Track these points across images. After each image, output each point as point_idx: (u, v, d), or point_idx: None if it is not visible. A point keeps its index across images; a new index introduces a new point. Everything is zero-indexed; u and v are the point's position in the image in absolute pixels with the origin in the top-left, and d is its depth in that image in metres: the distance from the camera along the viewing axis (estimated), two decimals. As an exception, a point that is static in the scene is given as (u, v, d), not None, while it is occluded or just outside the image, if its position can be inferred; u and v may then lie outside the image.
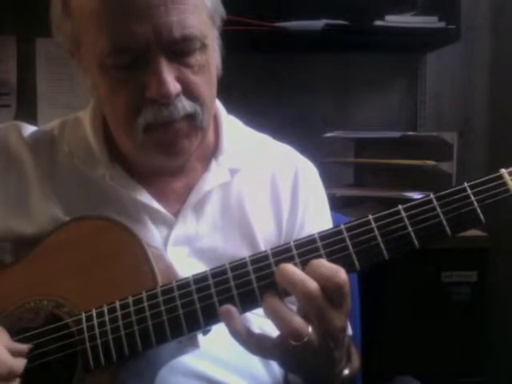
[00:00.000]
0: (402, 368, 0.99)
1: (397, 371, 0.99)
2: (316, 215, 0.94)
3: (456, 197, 0.66)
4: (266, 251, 0.69)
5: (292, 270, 0.66)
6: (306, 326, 0.65)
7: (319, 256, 0.67)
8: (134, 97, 0.76)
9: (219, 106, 0.94)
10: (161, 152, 0.80)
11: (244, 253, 0.85)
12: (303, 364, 0.69)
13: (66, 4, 0.79)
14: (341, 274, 0.65)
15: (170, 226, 0.86)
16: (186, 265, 0.83)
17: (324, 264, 0.66)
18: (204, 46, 0.78)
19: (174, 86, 0.75)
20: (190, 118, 0.79)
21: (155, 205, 0.85)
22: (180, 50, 0.76)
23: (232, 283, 0.68)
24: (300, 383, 0.79)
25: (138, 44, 0.73)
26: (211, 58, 0.81)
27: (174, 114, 0.77)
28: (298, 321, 0.65)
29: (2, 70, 1.94)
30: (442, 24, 1.78)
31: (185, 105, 0.77)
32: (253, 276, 0.68)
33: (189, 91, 0.78)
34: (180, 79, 0.76)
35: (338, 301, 0.66)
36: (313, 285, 0.64)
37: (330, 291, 0.65)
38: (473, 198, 0.66)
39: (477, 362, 1.61)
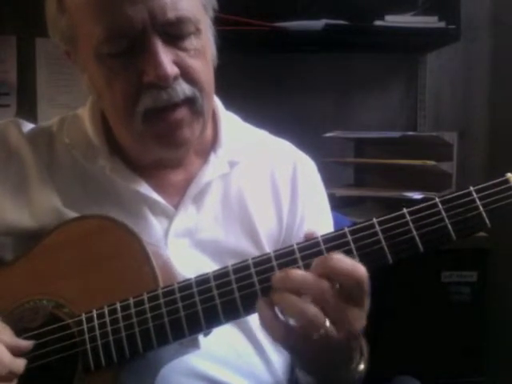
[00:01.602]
0: (402, 368, 0.99)
1: (397, 371, 0.99)
2: (316, 209, 0.95)
3: (461, 201, 0.66)
4: (268, 253, 0.68)
5: (300, 274, 0.64)
6: (322, 316, 0.63)
7: None
8: (132, 84, 0.77)
9: (217, 101, 0.94)
10: (162, 143, 0.80)
11: (245, 244, 0.85)
12: (324, 361, 0.68)
13: (60, 0, 0.79)
14: (359, 269, 0.64)
15: (170, 218, 0.86)
16: (187, 256, 0.83)
17: (344, 259, 0.64)
18: (198, 31, 0.79)
19: (171, 68, 0.75)
20: (190, 102, 0.79)
21: (155, 196, 0.85)
22: (175, 32, 0.76)
23: (234, 286, 0.67)
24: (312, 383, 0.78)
25: (133, 27, 0.74)
26: (206, 44, 0.81)
27: (173, 97, 0.77)
28: (313, 309, 0.63)
29: (1, 69, 1.94)
30: (442, 24, 1.78)
31: (184, 88, 0.78)
32: (255, 279, 0.67)
33: (187, 75, 0.78)
34: (177, 63, 0.77)
35: (359, 298, 0.64)
36: (325, 285, 0.63)
37: (350, 287, 0.64)
38: (478, 202, 0.65)
39: (477, 361, 1.61)
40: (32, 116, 1.92)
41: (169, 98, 0.77)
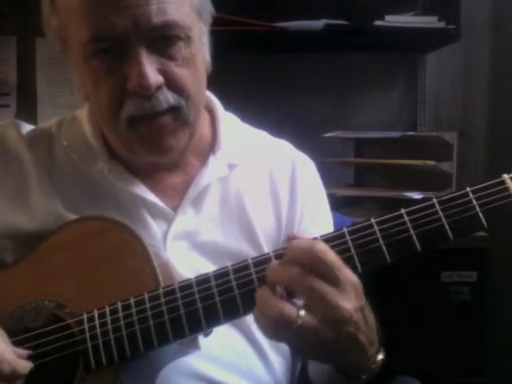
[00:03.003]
0: (402, 368, 0.99)
1: (397, 371, 0.99)
2: (314, 208, 0.94)
3: (458, 201, 0.67)
4: (268, 253, 0.68)
5: (271, 265, 0.65)
6: (295, 310, 0.62)
7: None
8: (117, 89, 0.76)
9: (216, 101, 0.94)
10: (146, 149, 0.80)
11: (244, 247, 0.85)
12: (322, 351, 0.66)
13: (52, 1, 0.79)
14: (316, 244, 0.64)
15: (169, 221, 0.85)
16: (186, 259, 0.83)
17: (301, 240, 0.65)
18: (188, 38, 0.78)
19: (154, 78, 0.75)
20: (175, 111, 0.78)
21: (154, 199, 0.85)
22: (160, 38, 0.75)
23: (234, 284, 0.68)
24: (332, 371, 0.75)
25: (117, 33, 0.74)
26: (197, 51, 0.80)
27: (156, 106, 0.76)
28: (285, 305, 0.63)
29: (2, 70, 1.94)
30: (441, 24, 1.78)
31: (168, 97, 0.77)
32: (254, 277, 0.67)
33: (172, 84, 0.77)
34: (163, 71, 0.76)
35: (328, 274, 0.63)
36: (292, 270, 0.63)
37: (314, 265, 0.63)
38: (475, 202, 0.66)
39: (477, 361, 1.61)
40: (32, 116, 1.93)
41: (151, 107, 0.76)
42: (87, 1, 0.74)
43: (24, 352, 0.70)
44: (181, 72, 0.77)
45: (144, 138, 0.79)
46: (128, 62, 0.75)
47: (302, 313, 0.63)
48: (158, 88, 0.76)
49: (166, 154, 0.81)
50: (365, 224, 0.67)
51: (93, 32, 0.74)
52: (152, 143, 0.79)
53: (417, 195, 1.56)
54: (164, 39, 0.76)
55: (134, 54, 0.75)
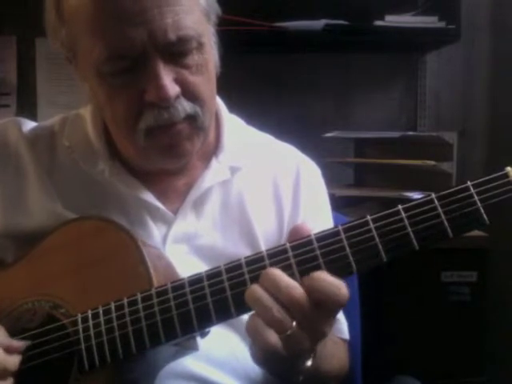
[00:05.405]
0: (402, 368, 0.99)
1: (397, 371, 0.99)
2: (317, 214, 0.94)
3: (458, 196, 0.63)
4: (261, 252, 0.68)
5: (278, 274, 0.65)
6: (290, 319, 0.63)
7: (315, 257, 0.65)
8: (134, 102, 0.76)
9: (221, 103, 0.93)
10: (163, 155, 0.80)
11: (243, 251, 0.85)
12: (286, 360, 0.66)
13: (59, 11, 0.78)
14: (343, 290, 0.63)
15: (169, 224, 0.85)
16: (185, 263, 0.83)
17: (326, 279, 0.64)
18: (201, 45, 0.78)
19: (172, 89, 0.75)
20: (191, 119, 0.78)
21: (155, 202, 0.85)
22: (176, 51, 0.75)
23: (226, 284, 0.67)
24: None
25: (133, 49, 0.73)
26: (209, 56, 0.80)
27: (174, 116, 0.76)
28: (281, 311, 0.63)
29: (1, 69, 1.95)
30: (441, 24, 1.79)
31: (185, 106, 0.77)
32: (247, 277, 0.67)
33: (188, 92, 0.77)
34: (178, 80, 0.76)
35: (333, 313, 0.65)
36: (298, 291, 0.63)
37: (329, 306, 0.64)
38: (476, 197, 0.63)
39: (477, 361, 1.61)
40: (32, 116, 1.92)
41: (170, 117, 0.76)
42: (100, 16, 0.73)
43: (21, 343, 0.71)
44: (195, 80, 0.78)
45: (162, 145, 0.79)
46: (145, 75, 0.75)
47: (294, 324, 0.63)
48: (176, 98, 0.76)
49: (182, 158, 0.82)
50: (360, 221, 0.65)
51: (109, 50, 0.73)
52: (169, 150, 0.79)
53: (417, 195, 1.56)
54: (179, 50, 0.76)
55: (151, 67, 0.74)
